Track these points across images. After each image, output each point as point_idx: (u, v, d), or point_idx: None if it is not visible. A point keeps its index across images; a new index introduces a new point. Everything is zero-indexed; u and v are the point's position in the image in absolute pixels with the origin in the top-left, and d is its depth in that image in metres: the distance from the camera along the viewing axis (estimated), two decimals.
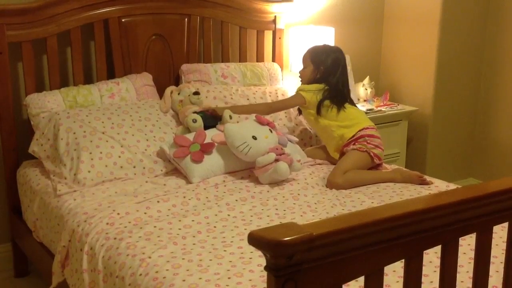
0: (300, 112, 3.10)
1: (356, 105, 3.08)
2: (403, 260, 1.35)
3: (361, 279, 1.29)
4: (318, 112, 2.90)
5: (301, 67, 3.56)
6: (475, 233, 1.46)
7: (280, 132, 2.82)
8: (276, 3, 3.46)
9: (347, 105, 2.93)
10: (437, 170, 3.91)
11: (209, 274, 1.80)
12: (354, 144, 2.81)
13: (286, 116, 3.22)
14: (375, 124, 3.00)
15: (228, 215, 2.28)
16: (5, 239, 3.07)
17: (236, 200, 2.42)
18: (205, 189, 2.52)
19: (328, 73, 2.94)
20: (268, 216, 2.29)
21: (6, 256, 3.07)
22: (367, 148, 2.78)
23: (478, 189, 1.45)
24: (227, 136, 2.63)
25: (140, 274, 1.85)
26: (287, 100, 3.05)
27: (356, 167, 2.72)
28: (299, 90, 2.98)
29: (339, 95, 2.92)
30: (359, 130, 2.84)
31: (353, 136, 2.84)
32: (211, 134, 2.73)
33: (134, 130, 2.76)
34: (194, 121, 2.79)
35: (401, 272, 1.48)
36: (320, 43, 3.13)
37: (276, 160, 2.58)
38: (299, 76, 3.06)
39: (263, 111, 2.93)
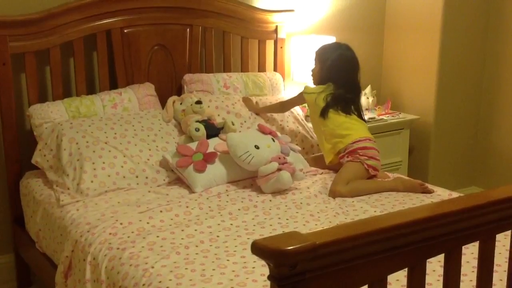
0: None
1: (362, 114, 3.02)
2: (406, 269, 1.35)
3: None
4: (323, 115, 2.88)
5: (303, 76, 3.58)
6: (478, 241, 1.46)
7: (283, 141, 2.83)
8: (277, 13, 3.47)
9: (350, 114, 2.91)
10: (439, 179, 3.91)
11: (212, 283, 1.80)
12: (348, 156, 2.82)
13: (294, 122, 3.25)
14: (378, 133, 2.99)
15: (231, 224, 2.28)
16: (8, 250, 3.07)
17: (239, 210, 2.43)
18: (207, 198, 2.52)
19: (332, 71, 2.92)
20: (271, 225, 2.29)
21: (9, 266, 3.07)
22: (360, 160, 2.79)
23: (481, 197, 1.45)
24: (229, 145, 2.64)
25: (143, 284, 1.85)
26: (294, 99, 3.15)
27: (355, 176, 2.72)
28: (303, 91, 3.01)
29: (345, 99, 2.89)
30: (352, 143, 2.82)
31: (345, 148, 2.83)
32: (214, 143, 2.73)
33: (137, 140, 2.77)
34: (197, 129, 2.79)
35: (404, 281, 1.48)
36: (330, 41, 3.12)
37: (279, 169, 2.58)
38: (311, 75, 3.07)
39: (278, 109, 3.20)
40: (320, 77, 2.98)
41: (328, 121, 2.88)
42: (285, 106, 3.19)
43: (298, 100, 3.10)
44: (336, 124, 2.87)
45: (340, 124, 2.87)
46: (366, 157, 2.79)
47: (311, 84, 3.42)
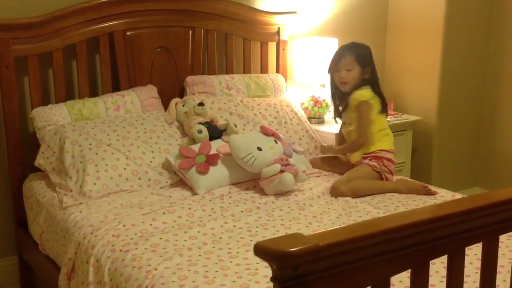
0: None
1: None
2: (409, 271, 1.35)
3: None
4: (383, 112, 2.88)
5: (306, 78, 3.57)
6: (481, 242, 1.46)
7: (285, 142, 2.83)
8: (279, 15, 3.47)
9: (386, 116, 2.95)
10: (442, 180, 3.90)
11: (215, 285, 1.80)
12: (370, 159, 2.80)
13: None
14: None
15: (234, 226, 2.28)
16: (12, 252, 3.07)
17: (242, 211, 2.43)
18: (210, 200, 2.52)
19: (374, 73, 2.94)
20: (273, 227, 2.29)
21: (12, 269, 3.07)
22: (381, 170, 2.78)
23: (484, 199, 1.45)
24: (232, 147, 2.64)
25: (146, 286, 1.85)
26: (363, 116, 2.82)
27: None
28: (362, 100, 2.81)
29: (382, 96, 2.91)
30: (381, 150, 2.81)
31: (372, 152, 2.82)
32: (216, 145, 2.73)
33: (140, 142, 2.77)
34: (200, 131, 2.80)
35: (407, 282, 1.48)
36: (354, 42, 3.06)
37: (281, 171, 2.58)
38: (344, 82, 2.88)
39: (361, 142, 2.83)
40: (362, 80, 2.88)
41: (377, 123, 2.86)
42: (361, 131, 2.83)
43: (366, 112, 2.80)
44: (379, 128, 2.86)
45: (382, 130, 2.87)
46: (387, 170, 2.79)
47: (314, 85, 3.42)
